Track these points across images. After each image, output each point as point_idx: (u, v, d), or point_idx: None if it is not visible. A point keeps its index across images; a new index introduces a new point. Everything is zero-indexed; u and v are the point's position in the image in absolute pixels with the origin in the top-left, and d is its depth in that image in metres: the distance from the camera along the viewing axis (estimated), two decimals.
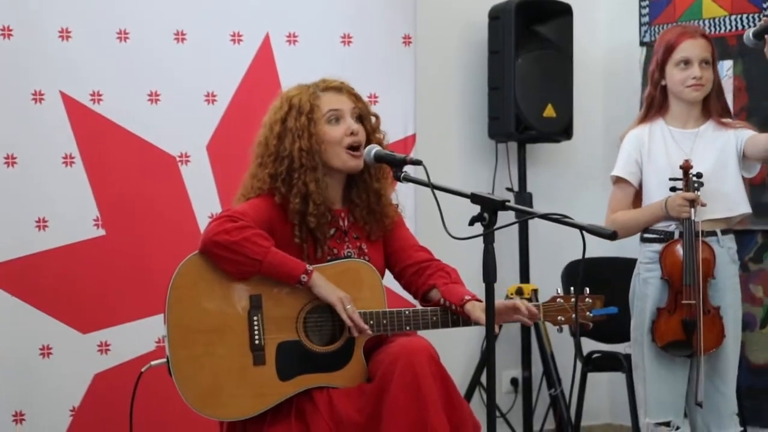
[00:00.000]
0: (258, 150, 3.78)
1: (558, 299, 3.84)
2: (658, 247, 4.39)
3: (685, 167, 4.30)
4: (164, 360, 3.59)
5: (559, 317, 3.82)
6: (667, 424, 4.36)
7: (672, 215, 4.31)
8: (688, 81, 4.36)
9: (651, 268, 4.41)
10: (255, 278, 3.61)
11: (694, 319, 4.27)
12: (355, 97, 3.80)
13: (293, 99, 3.75)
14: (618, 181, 4.49)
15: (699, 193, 4.28)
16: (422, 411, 3.45)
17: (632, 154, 4.44)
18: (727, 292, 4.40)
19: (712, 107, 4.45)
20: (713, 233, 4.36)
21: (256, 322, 3.60)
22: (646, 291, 4.41)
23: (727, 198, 4.40)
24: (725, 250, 4.39)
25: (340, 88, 3.79)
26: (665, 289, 4.36)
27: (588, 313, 3.84)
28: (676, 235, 4.35)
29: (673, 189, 4.31)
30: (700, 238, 4.28)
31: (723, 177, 4.40)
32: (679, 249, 4.31)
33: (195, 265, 3.60)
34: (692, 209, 4.27)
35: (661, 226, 4.40)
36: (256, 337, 3.59)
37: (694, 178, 4.29)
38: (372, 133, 3.77)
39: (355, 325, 3.61)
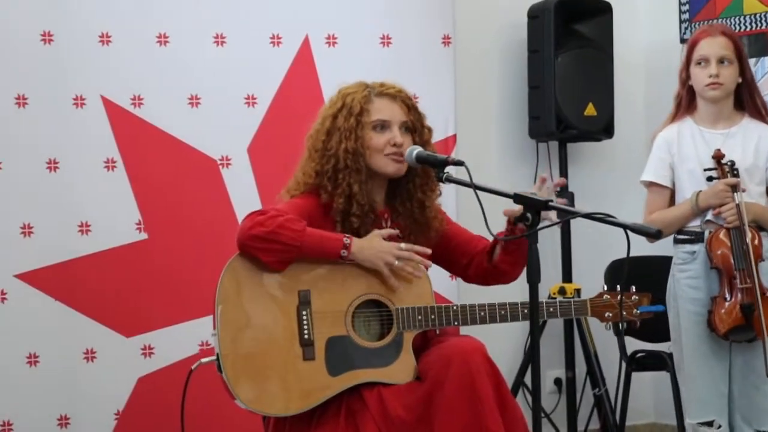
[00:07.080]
0: (309, 142, 3.77)
1: (605, 295, 3.84)
2: (689, 247, 4.39)
3: (717, 156, 4.30)
4: (214, 357, 3.58)
5: (606, 313, 3.83)
6: (710, 423, 4.33)
7: (712, 203, 4.28)
8: (705, 80, 4.34)
9: (683, 269, 4.41)
10: (303, 274, 3.60)
11: (752, 302, 4.24)
12: (409, 108, 3.75)
13: (347, 97, 3.73)
14: (651, 185, 4.49)
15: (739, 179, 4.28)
16: (478, 412, 3.43)
17: (663, 158, 4.44)
18: None
19: (745, 106, 4.42)
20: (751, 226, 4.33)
21: (305, 318, 3.59)
22: (680, 292, 4.41)
23: (758, 199, 4.38)
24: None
25: (395, 96, 3.74)
26: (716, 279, 4.33)
27: (635, 310, 3.84)
28: (706, 235, 4.33)
29: (710, 179, 4.29)
30: (746, 221, 4.24)
31: (753, 175, 4.37)
32: (725, 235, 4.28)
33: (242, 262, 3.59)
34: (735, 194, 4.25)
35: (692, 227, 4.38)
36: (306, 332, 3.58)
37: (727, 168, 4.28)
38: (423, 146, 3.71)
39: (417, 255, 3.63)
